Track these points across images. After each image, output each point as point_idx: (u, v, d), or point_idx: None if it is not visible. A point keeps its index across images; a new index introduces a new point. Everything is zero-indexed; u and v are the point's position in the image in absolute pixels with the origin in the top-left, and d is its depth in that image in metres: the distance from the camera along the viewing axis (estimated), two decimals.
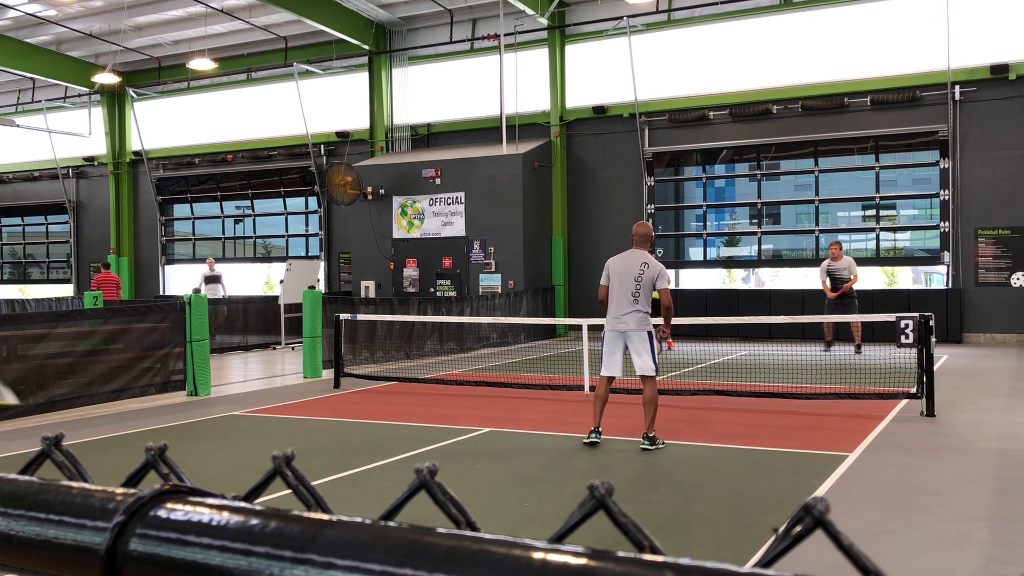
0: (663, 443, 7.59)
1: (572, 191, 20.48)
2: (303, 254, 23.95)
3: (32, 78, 25.42)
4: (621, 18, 19.44)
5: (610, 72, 19.90)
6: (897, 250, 19.07)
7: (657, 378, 7.66)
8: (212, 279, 20.78)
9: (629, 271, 7.56)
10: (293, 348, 17.50)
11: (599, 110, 20.06)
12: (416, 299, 16.78)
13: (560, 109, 20.36)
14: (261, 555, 0.62)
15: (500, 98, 19.24)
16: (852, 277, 14.99)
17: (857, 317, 11.73)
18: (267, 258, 25.47)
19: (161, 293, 25.53)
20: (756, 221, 19.91)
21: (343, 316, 12.49)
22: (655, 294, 7.69)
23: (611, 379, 7.74)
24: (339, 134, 23.16)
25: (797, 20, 18.45)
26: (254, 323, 18.34)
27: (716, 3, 18.69)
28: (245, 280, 24.96)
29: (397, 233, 20.54)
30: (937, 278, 19.10)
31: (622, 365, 7.75)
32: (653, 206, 19.98)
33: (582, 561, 0.56)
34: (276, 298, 18.69)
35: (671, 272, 20.24)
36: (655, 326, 7.76)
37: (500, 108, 19.20)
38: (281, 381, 12.93)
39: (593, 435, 7.64)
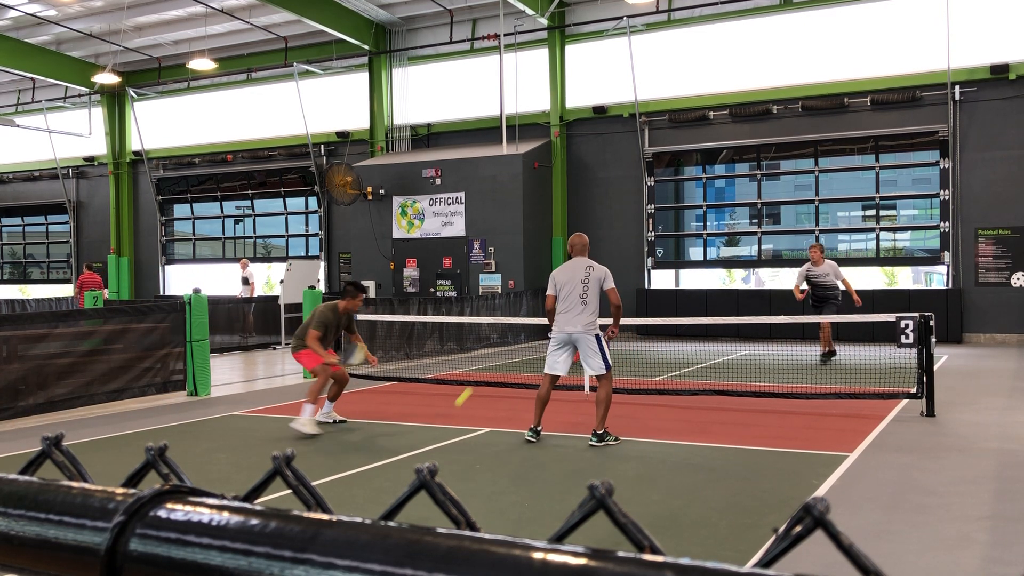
0: (616, 439, 7.69)
1: (572, 191, 20.47)
2: (303, 254, 23.96)
3: (32, 78, 25.43)
4: (621, 18, 19.44)
5: (610, 72, 19.89)
6: (897, 250, 19.05)
7: (613, 376, 7.81)
8: (244, 280, 20.87)
9: (575, 276, 7.79)
10: None
11: (599, 110, 20.05)
12: (416, 299, 16.78)
13: (560, 109, 20.35)
14: (261, 555, 0.62)
15: (500, 98, 19.23)
16: (843, 284, 13.30)
17: (859, 317, 11.07)
18: (267, 258, 25.47)
19: (161, 293, 25.54)
20: (756, 221, 19.90)
21: None
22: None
23: (555, 378, 7.94)
24: (339, 134, 23.15)
25: (797, 20, 18.45)
26: (254, 323, 18.38)
27: (716, 3, 18.69)
28: None
29: (397, 233, 20.53)
30: (937, 278, 19.09)
31: (568, 366, 7.96)
32: (653, 206, 19.97)
33: (582, 561, 0.56)
34: (276, 298, 18.70)
35: (670, 272, 20.30)
36: (603, 327, 7.92)
37: (500, 108, 19.19)
38: (281, 381, 12.93)
39: (530, 434, 7.84)
